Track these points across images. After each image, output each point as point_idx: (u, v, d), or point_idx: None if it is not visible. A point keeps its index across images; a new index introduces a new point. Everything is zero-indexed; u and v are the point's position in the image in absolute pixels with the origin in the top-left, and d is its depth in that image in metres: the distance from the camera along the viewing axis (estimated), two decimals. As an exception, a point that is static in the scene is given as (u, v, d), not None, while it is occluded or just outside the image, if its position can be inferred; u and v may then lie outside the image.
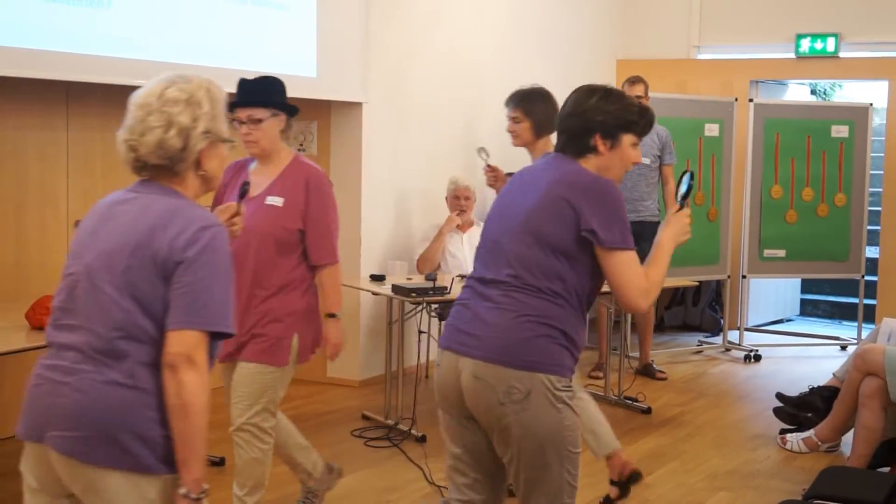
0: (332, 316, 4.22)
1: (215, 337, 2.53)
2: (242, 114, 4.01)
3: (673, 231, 3.23)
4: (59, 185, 5.62)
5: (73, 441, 2.45)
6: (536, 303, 3.08)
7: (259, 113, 4.02)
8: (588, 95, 3.23)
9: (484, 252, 3.27)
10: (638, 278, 3.10)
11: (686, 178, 3.35)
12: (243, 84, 4.10)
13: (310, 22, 6.46)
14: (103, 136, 5.56)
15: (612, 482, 4.73)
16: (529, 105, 4.70)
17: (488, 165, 5.57)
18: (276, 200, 4.04)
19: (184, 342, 2.43)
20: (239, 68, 5.98)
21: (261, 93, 4.09)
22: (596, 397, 6.83)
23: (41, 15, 4.98)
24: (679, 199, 3.32)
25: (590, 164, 3.20)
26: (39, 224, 5.55)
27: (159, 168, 2.58)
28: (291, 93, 6.47)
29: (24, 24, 4.90)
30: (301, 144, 7.01)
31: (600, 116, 3.18)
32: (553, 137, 3.71)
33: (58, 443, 2.46)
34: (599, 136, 3.18)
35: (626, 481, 4.70)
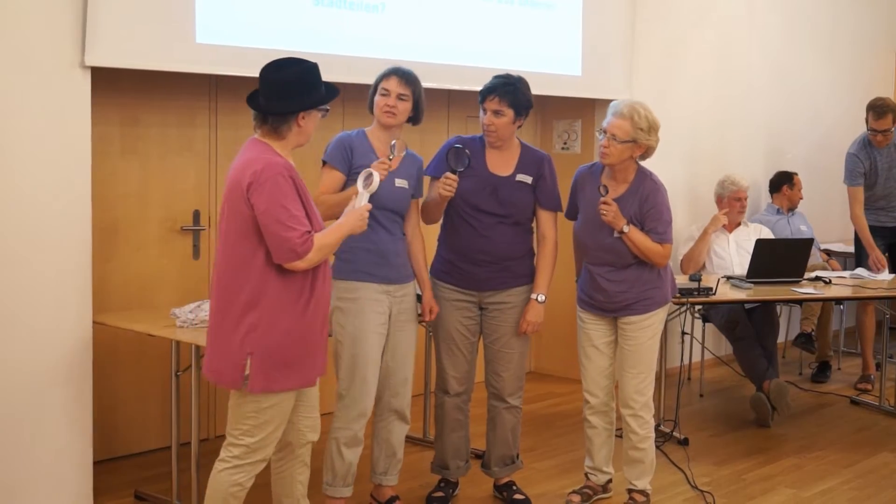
0: None
1: None
2: None
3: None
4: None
5: None
6: None
7: None
8: None
9: None
10: None
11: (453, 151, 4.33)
12: None
13: (575, 20, 6.48)
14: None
15: None
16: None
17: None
18: None
19: None
20: (506, 68, 6.06)
21: None
22: (869, 407, 6.55)
23: (319, 20, 5.23)
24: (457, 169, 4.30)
25: None
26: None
27: None
28: (556, 91, 6.57)
29: (303, 28, 5.16)
30: (565, 143, 7.05)
31: None
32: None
33: None
34: None
35: None
